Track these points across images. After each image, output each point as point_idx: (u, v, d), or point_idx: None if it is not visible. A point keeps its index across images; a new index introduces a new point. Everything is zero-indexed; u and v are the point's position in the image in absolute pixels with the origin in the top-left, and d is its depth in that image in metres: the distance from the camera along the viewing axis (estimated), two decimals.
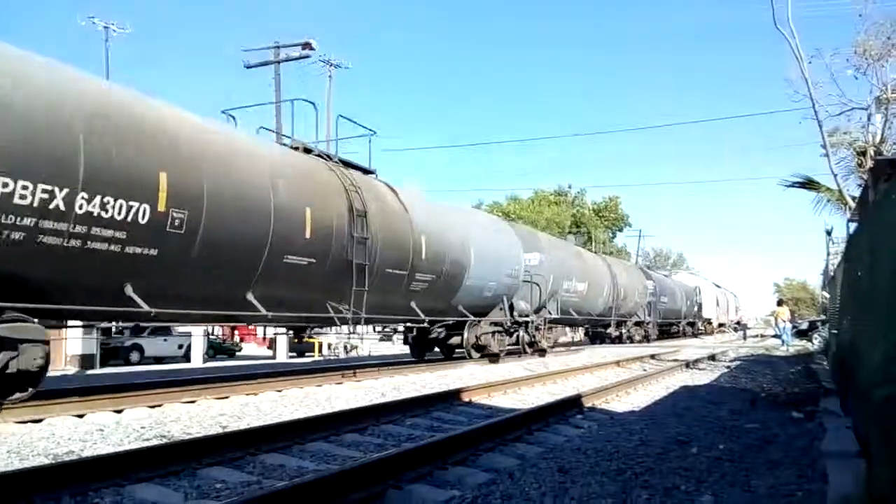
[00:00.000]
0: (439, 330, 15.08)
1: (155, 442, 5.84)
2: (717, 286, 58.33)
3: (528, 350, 18.30)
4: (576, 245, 26.97)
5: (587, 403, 8.66)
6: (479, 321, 15.89)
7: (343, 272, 10.50)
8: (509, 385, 10.57)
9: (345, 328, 11.85)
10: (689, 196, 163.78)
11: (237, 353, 30.85)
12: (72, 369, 19.75)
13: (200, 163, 8.07)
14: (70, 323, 9.18)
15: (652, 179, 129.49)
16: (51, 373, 16.98)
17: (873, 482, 3.52)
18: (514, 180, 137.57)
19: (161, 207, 7.41)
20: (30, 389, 7.11)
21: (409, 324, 14.11)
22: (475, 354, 15.99)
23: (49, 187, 6.37)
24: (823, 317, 24.77)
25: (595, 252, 38.48)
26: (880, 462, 3.40)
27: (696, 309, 45.93)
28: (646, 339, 31.99)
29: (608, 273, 26.22)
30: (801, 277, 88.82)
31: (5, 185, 6.05)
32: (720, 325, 56.72)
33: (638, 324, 31.35)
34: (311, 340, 25.52)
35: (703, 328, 49.14)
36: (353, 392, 9.71)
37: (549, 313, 18.95)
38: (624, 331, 29.80)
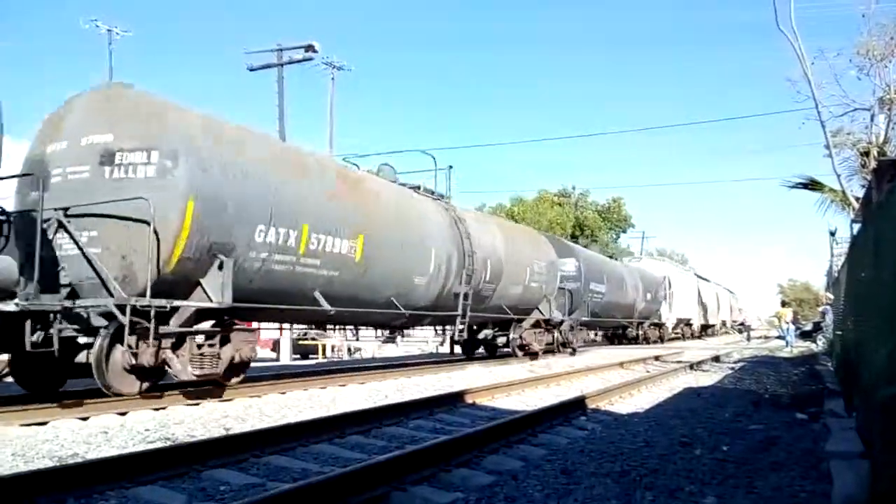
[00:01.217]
0: None
1: (159, 444, 5.85)
2: (703, 279, 47.66)
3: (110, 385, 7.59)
4: (371, 170, 13.47)
5: (591, 405, 8.65)
6: None
7: None
8: (513, 387, 10.56)
9: None
10: (693, 197, 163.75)
11: None
12: None
13: None
14: None
15: (656, 181, 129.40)
16: None
17: (877, 483, 3.52)
18: (518, 182, 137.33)
19: None
20: None
21: None
22: None
23: None
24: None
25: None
26: (884, 463, 3.40)
27: (664, 306, 34.42)
28: (562, 348, 19.44)
29: (449, 228, 13.55)
30: (804, 278, 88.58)
31: None
32: (705, 327, 45.48)
33: (545, 325, 18.19)
34: (315, 343, 25.53)
35: (679, 332, 38.15)
36: (357, 394, 9.71)
37: (214, 298, 8.19)
38: (514, 335, 16.90)
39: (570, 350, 20.09)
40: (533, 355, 17.49)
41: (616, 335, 31.04)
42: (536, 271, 17.37)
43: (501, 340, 17.30)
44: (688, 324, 39.96)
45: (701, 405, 8.61)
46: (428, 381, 11.73)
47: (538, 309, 17.87)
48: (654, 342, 32.34)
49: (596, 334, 29.72)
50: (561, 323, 19.14)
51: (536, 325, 17.89)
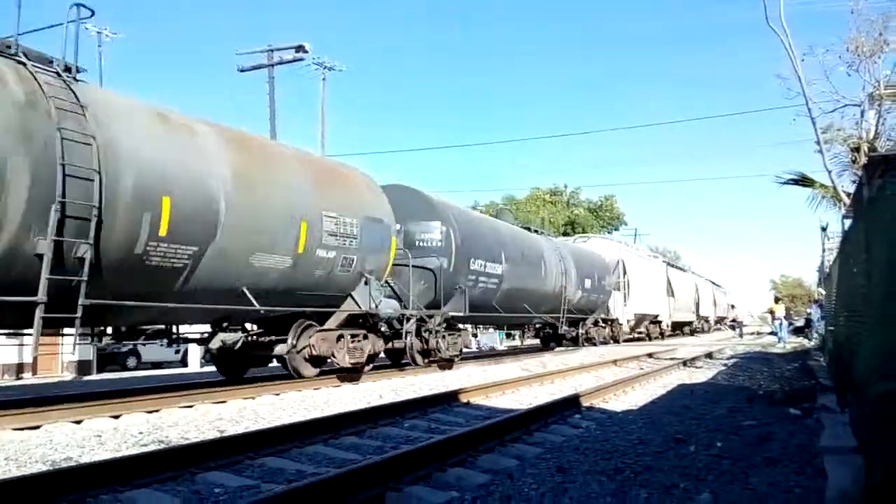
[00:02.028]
0: None
1: (153, 447, 5.82)
2: (676, 267, 41.32)
3: None
4: None
5: (585, 403, 8.67)
6: None
7: None
8: (507, 386, 10.57)
9: None
10: (685, 195, 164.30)
11: None
12: (69, 375, 19.72)
13: None
14: None
15: (648, 178, 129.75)
16: (48, 379, 16.97)
17: (871, 477, 3.54)
18: (510, 181, 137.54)
19: None
20: None
21: None
22: None
23: None
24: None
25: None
26: (878, 457, 3.41)
27: (616, 298, 26.73)
28: (422, 357, 13.58)
29: (16, 120, 6.21)
30: (796, 274, 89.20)
31: None
32: (678, 325, 38.10)
33: (371, 324, 11.71)
34: None
35: (643, 331, 31.48)
36: (352, 395, 9.70)
37: None
38: (294, 341, 10.45)
39: (436, 362, 13.61)
40: (349, 374, 11.35)
41: (547, 336, 23.72)
42: (334, 232, 10.31)
43: (282, 349, 10.54)
44: (654, 321, 32.55)
45: (695, 402, 8.63)
46: (423, 380, 11.73)
47: (352, 297, 11.07)
48: (603, 343, 24.73)
49: (527, 337, 22.07)
50: (403, 320, 12.50)
51: (353, 323, 11.44)
